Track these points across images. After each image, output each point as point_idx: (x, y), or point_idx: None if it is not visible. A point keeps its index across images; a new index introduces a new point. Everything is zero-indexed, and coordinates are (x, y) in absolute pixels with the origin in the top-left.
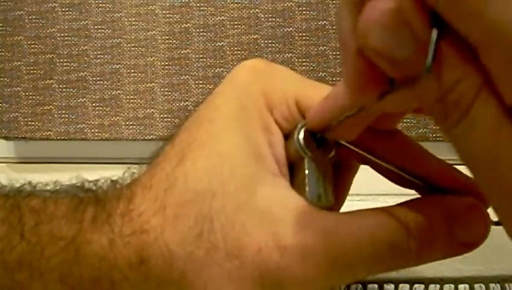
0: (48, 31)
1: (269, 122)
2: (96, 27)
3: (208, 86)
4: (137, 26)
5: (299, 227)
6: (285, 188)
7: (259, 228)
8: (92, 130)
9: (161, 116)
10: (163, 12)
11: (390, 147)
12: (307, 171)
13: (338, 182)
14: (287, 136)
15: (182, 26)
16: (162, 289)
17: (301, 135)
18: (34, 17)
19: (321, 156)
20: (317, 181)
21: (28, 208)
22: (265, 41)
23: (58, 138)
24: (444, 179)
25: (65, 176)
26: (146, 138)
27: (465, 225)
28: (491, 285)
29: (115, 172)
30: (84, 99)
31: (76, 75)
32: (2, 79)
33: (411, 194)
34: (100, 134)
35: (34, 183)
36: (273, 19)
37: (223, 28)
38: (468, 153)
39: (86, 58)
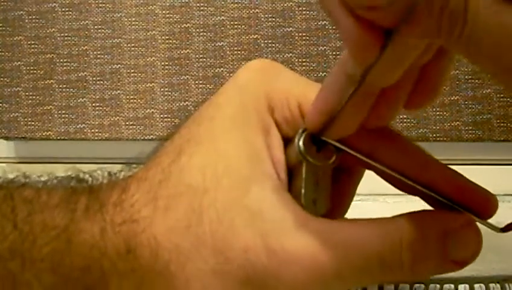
0: (47, 31)
1: (269, 124)
2: (96, 27)
3: (208, 86)
4: (137, 26)
5: (290, 231)
6: (279, 191)
7: (248, 227)
8: (92, 130)
9: (161, 116)
10: (163, 12)
11: (392, 152)
12: (304, 176)
13: (341, 189)
14: (289, 139)
15: (182, 26)
16: (146, 280)
17: (301, 140)
18: (34, 17)
19: (321, 161)
20: (314, 186)
21: (21, 198)
22: (265, 41)
23: (58, 138)
24: (447, 185)
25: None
26: (146, 138)
27: (458, 242)
28: (491, 285)
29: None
30: (84, 99)
31: (76, 75)
32: (2, 79)
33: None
34: (100, 134)
35: (28, 174)
36: (273, 19)
37: (223, 28)
38: (483, 48)
39: (86, 58)
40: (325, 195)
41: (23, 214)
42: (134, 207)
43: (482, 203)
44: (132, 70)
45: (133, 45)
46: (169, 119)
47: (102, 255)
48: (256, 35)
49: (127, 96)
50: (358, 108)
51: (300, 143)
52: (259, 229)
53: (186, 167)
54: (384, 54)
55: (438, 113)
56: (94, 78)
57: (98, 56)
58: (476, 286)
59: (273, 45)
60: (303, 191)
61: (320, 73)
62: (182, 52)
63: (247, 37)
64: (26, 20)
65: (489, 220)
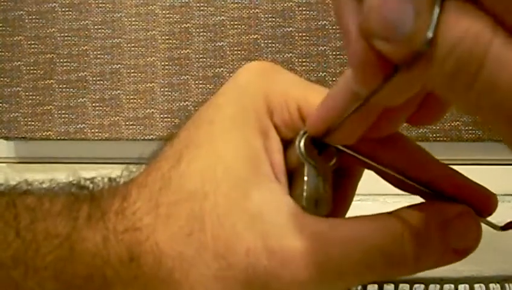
0: (47, 31)
1: (267, 127)
2: (96, 27)
3: (207, 86)
4: (137, 26)
5: (289, 231)
6: (278, 193)
7: (249, 229)
8: (92, 130)
9: (161, 116)
10: (163, 12)
11: (392, 153)
12: (306, 178)
13: (342, 189)
14: (288, 142)
15: (182, 26)
16: (150, 287)
17: (302, 142)
18: (34, 17)
19: (322, 163)
20: (315, 188)
21: (23, 206)
22: (265, 41)
23: (58, 138)
24: (448, 184)
25: (64, 176)
26: (146, 138)
27: (458, 231)
28: (491, 285)
29: (114, 172)
30: (84, 99)
31: (76, 75)
32: (2, 79)
33: (411, 194)
34: (100, 134)
35: (30, 181)
36: (273, 19)
37: (223, 28)
38: (500, 99)
39: (86, 58)
40: (326, 196)
41: (26, 222)
42: (136, 215)
43: (482, 201)
44: (132, 70)
45: (133, 45)
46: (169, 119)
47: (105, 264)
48: (256, 35)
49: (127, 96)
50: (360, 122)
51: (301, 145)
52: (259, 231)
53: (186, 172)
54: (388, 84)
55: None
56: (94, 78)
57: (98, 56)
58: (476, 286)
59: (273, 45)
60: (304, 193)
61: (320, 73)
62: (182, 52)
63: (247, 37)
64: (26, 20)
65: (489, 220)
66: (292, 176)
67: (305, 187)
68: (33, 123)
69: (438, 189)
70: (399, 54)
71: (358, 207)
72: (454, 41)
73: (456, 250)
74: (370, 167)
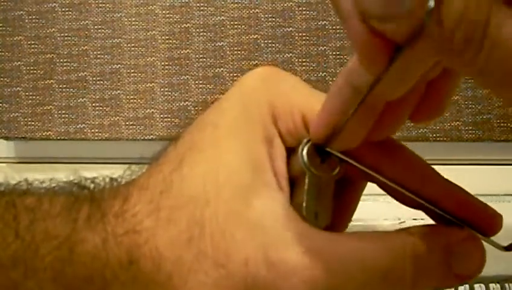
0: (47, 31)
1: (272, 135)
2: (96, 27)
3: (208, 86)
4: (137, 26)
5: (290, 243)
6: (280, 203)
7: (249, 239)
8: (92, 130)
9: (161, 116)
10: (163, 12)
11: (395, 166)
12: (306, 187)
13: (344, 200)
14: (292, 150)
15: (182, 26)
16: None
17: (305, 150)
18: (34, 17)
19: (325, 173)
20: (316, 198)
21: (23, 206)
22: (265, 41)
23: (58, 138)
24: (451, 201)
25: (64, 176)
26: (146, 138)
27: (461, 257)
28: (491, 285)
29: (114, 172)
30: (84, 99)
31: (76, 75)
32: (2, 79)
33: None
34: (100, 134)
35: (30, 180)
36: (273, 19)
37: (223, 28)
38: (502, 74)
39: (86, 58)
40: (326, 207)
41: (25, 223)
42: (136, 217)
43: (486, 220)
44: (132, 70)
45: (133, 45)
46: (169, 119)
47: (104, 266)
48: (256, 35)
49: (127, 96)
50: (363, 121)
51: (304, 153)
52: (259, 241)
53: (188, 176)
54: (392, 68)
55: None
56: (94, 78)
57: (98, 56)
58: (476, 286)
59: (273, 45)
60: (304, 203)
61: (320, 73)
62: (182, 52)
63: (247, 37)
64: (26, 20)
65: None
66: (294, 185)
67: (305, 197)
68: (33, 123)
69: (440, 205)
70: (401, 32)
71: (358, 207)
72: (461, 11)
73: (458, 275)
74: (372, 179)
